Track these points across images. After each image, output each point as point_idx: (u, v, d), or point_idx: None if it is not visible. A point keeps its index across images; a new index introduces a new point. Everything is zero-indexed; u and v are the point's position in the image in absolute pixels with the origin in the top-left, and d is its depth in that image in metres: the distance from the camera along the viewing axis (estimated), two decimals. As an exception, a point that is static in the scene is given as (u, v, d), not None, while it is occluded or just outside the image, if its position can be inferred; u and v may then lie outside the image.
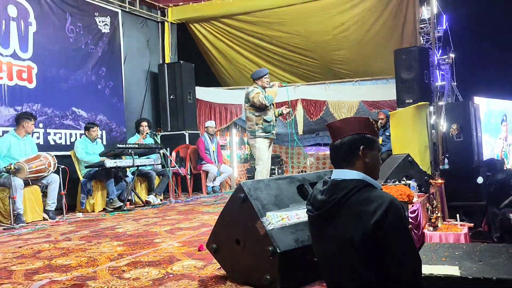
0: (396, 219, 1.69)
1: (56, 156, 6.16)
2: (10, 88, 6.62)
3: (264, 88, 6.12)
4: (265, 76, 6.17)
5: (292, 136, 6.95)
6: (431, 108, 7.47)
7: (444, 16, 8.00)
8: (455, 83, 8.47)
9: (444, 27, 7.99)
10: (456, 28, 8.18)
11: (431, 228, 4.60)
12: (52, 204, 6.01)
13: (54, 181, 6.01)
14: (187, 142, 9.00)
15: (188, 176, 8.55)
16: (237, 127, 10.84)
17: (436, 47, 7.89)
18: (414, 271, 1.73)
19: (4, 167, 5.54)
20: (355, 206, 1.76)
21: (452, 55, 8.16)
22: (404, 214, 1.78)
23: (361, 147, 1.86)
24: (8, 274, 3.06)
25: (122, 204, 6.64)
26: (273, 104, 6.20)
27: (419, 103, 7.10)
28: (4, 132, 6.24)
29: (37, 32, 7.08)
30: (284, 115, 6.41)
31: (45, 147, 6.86)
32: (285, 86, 6.40)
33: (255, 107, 6.01)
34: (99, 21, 8.23)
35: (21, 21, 6.88)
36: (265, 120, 6.04)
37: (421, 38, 8.00)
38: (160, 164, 7.59)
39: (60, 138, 7.33)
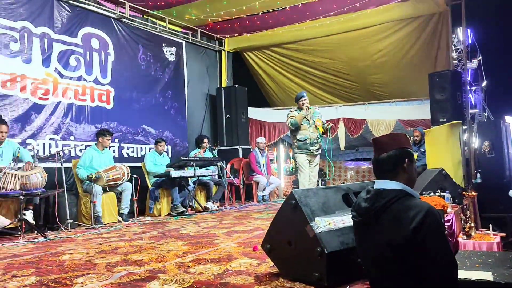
0: (434, 224, 1.69)
1: (129, 167, 6.36)
2: (92, 108, 6.96)
3: (301, 109, 6.15)
4: (300, 99, 6.18)
5: (330, 152, 6.89)
6: (464, 126, 7.27)
7: (468, 30, 7.70)
8: (486, 103, 8.20)
9: (470, 41, 7.71)
10: (486, 48, 7.89)
11: (465, 237, 4.46)
12: (125, 208, 6.20)
13: (127, 189, 6.22)
14: (241, 156, 9.13)
15: (241, 186, 8.65)
16: (284, 143, 10.89)
17: (467, 70, 7.67)
18: (450, 272, 1.70)
19: (87, 176, 5.84)
20: (395, 213, 1.77)
21: (479, 58, 7.82)
22: (441, 220, 1.77)
23: (406, 160, 1.87)
24: (92, 266, 3.21)
25: (184, 209, 6.78)
26: (314, 122, 6.17)
27: (452, 122, 6.94)
28: (87, 146, 6.54)
29: (114, 61, 7.41)
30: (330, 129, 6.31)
31: (120, 159, 7.11)
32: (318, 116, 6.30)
33: (289, 128, 6.08)
34: (166, 51, 8.53)
35: (102, 52, 7.23)
36: (298, 140, 6.05)
37: (453, 62, 7.80)
38: (217, 175, 7.71)
39: (133, 152, 7.59)
